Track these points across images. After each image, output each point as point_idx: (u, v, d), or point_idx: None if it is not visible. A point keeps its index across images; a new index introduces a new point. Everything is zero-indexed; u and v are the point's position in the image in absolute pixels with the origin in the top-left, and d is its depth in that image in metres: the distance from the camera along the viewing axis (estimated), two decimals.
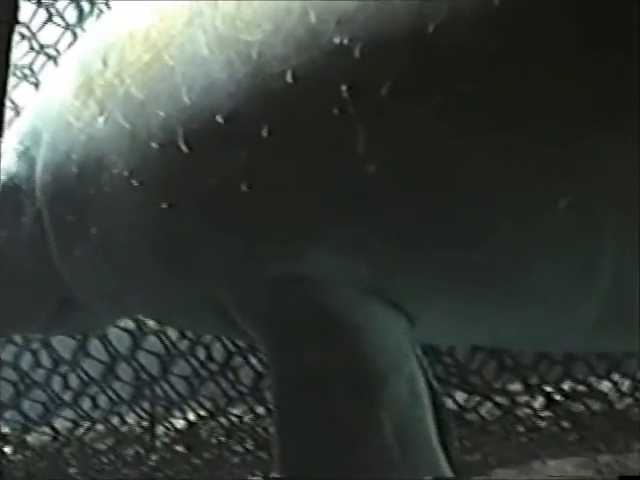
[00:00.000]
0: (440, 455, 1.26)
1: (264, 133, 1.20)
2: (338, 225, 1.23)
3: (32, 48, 2.15)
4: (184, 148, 1.27)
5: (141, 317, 2.01)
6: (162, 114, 1.29)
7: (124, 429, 2.23)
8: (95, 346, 2.18)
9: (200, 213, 1.31)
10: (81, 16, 2.21)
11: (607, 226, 1.14)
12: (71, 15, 2.17)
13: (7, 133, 1.59)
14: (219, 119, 1.24)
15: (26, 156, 1.58)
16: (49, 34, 2.17)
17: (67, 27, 2.17)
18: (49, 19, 2.15)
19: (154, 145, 1.30)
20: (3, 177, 1.59)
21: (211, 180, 1.27)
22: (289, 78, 1.19)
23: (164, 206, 1.30)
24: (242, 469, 2.49)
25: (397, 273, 1.24)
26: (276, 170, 1.23)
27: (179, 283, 1.40)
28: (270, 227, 1.27)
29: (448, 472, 1.25)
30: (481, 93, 1.12)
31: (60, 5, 2.18)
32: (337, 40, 1.16)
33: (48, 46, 2.15)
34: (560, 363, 2.25)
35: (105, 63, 1.40)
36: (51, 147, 1.50)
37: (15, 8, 1.11)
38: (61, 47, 2.16)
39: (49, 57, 2.17)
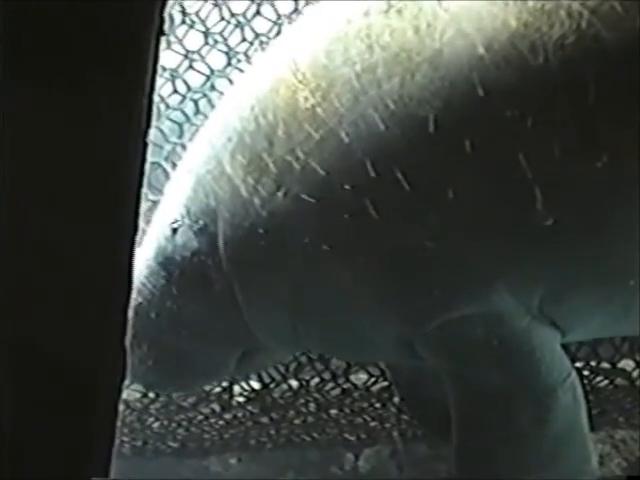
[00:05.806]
0: (591, 449, 1.49)
1: (450, 196, 1.33)
2: (519, 270, 1.39)
3: None
4: (374, 215, 1.38)
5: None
6: (348, 187, 1.39)
7: (206, 387, 2.43)
8: None
9: (391, 271, 1.44)
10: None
11: None
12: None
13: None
14: (406, 187, 1.34)
15: (205, 233, 1.65)
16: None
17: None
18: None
19: (345, 215, 1.40)
20: (187, 254, 1.68)
21: (401, 241, 1.39)
22: (468, 148, 1.31)
23: (356, 266, 1.42)
24: (302, 429, 2.75)
25: (563, 302, 1.42)
26: (464, 227, 1.37)
27: (363, 325, 1.52)
28: (457, 277, 1.41)
29: (596, 466, 1.50)
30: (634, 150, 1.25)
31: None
32: (508, 113, 1.28)
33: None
34: (588, 344, 2.40)
35: (271, 142, 1.47)
36: (231, 224, 1.58)
37: None
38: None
39: None
